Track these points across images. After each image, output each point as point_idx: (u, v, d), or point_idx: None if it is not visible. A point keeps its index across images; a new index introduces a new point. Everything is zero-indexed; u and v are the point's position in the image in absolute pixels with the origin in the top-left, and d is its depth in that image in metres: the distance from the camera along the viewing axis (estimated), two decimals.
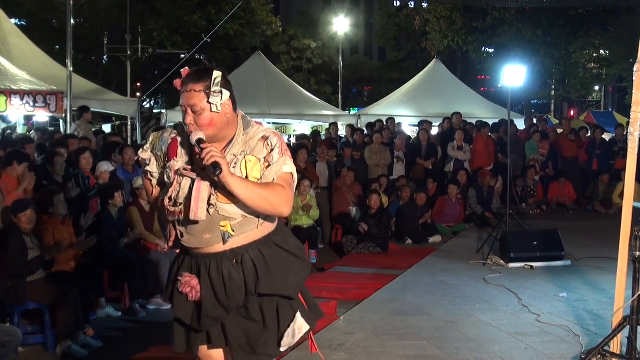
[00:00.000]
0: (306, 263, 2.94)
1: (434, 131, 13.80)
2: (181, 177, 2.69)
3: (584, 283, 6.77)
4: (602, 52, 26.77)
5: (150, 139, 2.89)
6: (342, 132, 15.28)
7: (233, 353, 2.83)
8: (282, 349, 2.86)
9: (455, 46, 28.49)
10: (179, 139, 2.76)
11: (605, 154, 13.01)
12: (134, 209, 6.77)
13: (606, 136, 14.27)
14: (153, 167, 2.84)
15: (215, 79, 2.62)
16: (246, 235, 2.74)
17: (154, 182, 2.88)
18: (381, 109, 18.00)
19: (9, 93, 11.95)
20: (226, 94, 2.65)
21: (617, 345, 4.28)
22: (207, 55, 23.72)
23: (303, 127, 19.93)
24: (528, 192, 12.17)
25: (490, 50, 29.64)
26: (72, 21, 13.43)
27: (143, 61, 25.47)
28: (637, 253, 4.09)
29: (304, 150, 9.86)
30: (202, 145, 2.57)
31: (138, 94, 24.49)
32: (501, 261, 7.64)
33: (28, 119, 15.11)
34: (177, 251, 2.91)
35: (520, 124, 15.72)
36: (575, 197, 12.64)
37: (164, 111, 20.39)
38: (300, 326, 2.84)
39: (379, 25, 39.18)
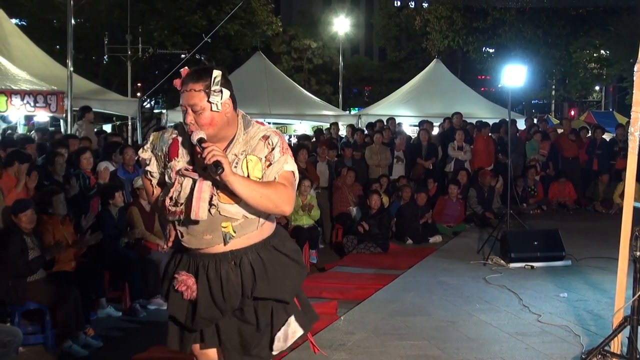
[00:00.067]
0: (303, 267, 2.95)
1: (435, 131, 13.80)
2: (182, 178, 2.68)
3: (584, 283, 6.77)
4: (602, 52, 26.78)
5: (151, 139, 2.88)
6: (343, 132, 15.29)
7: (225, 353, 2.84)
8: (274, 352, 2.86)
9: (456, 46, 28.50)
10: (180, 139, 2.76)
11: (605, 154, 13.00)
12: (135, 209, 6.78)
13: (607, 136, 14.24)
14: (153, 167, 2.84)
15: (215, 78, 2.61)
16: (247, 237, 2.74)
17: (154, 182, 2.87)
18: (381, 109, 18.00)
19: (9, 93, 11.96)
20: (226, 93, 2.65)
21: (617, 345, 4.28)
22: (207, 55, 23.69)
23: (303, 127, 19.94)
24: (528, 192, 12.17)
25: (491, 50, 29.66)
26: (73, 21, 13.43)
27: (143, 61, 25.49)
28: (638, 253, 4.09)
29: (305, 150, 9.87)
30: (204, 145, 2.57)
31: (138, 94, 24.52)
32: (502, 261, 7.63)
33: (28, 119, 15.11)
34: (167, 246, 2.90)
35: (521, 124, 15.73)
36: (575, 197, 12.63)
37: (164, 111, 20.41)
38: (294, 330, 2.85)
39: (379, 25, 39.20)
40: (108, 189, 6.81)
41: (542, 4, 22.58)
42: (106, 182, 7.37)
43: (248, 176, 2.67)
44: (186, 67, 2.72)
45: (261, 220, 2.76)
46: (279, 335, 2.82)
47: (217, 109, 2.62)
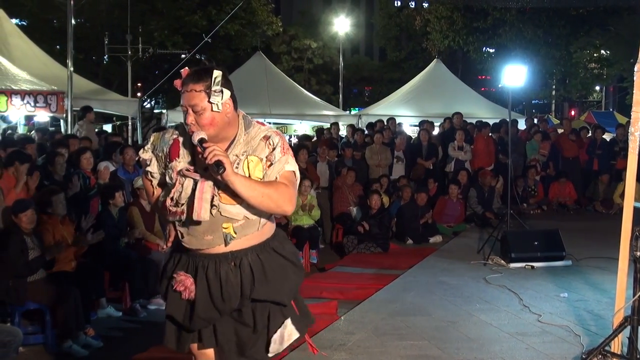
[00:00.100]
0: (301, 270, 2.95)
1: (435, 131, 13.80)
2: (183, 178, 2.68)
3: (584, 283, 6.77)
4: (602, 52, 26.78)
5: (151, 139, 2.88)
6: (343, 132, 15.29)
7: (222, 354, 2.84)
8: (270, 354, 2.87)
9: (456, 46, 28.50)
10: (181, 140, 2.76)
11: (606, 154, 13.00)
12: (135, 209, 6.78)
13: (607, 136, 14.23)
14: (154, 168, 2.84)
15: (215, 78, 2.61)
16: (247, 238, 2.74)
17: (155, 182, 2.87)
18: (382, 109, 17.99)
19: (9, 93, 11.95)
20: (227, 93, 2.65)
21: (617, 345, 4.28)
22: (207, 55, 23.70)
23: (304, 127, 19.92)
24: (529, 192, 12.17)
25: (491, 50, 29.65)
26: (73, 21, 13.41)
27: (144, 61, 25.49)
28: (638, 253, 4.09)
29: (305, 150, 9.87)
30: (205, 145, 2.57)
31: (139, 94, 24.54)
32: (502, 261, 7.63)
33: (29, 119, 15.12)
34: (167, 246, 2.90)
35: (521, 124, 15.72)
36: (576, 197, 12.63)
37: (164, 111, 20.41)
38: (290, 332, 2.85)
39: (379, 25, 39.19)
40: (108, 189, 6.81)
41: (543, 4, 22.58)
42: (106, 182, 7.37)
43: (249, 176, 2.67)
44: (186, 68, 2.72)
45: (262, 221, 2.76)
46: (275, 337, 2.82)
47: (218, 109, 2.62)
